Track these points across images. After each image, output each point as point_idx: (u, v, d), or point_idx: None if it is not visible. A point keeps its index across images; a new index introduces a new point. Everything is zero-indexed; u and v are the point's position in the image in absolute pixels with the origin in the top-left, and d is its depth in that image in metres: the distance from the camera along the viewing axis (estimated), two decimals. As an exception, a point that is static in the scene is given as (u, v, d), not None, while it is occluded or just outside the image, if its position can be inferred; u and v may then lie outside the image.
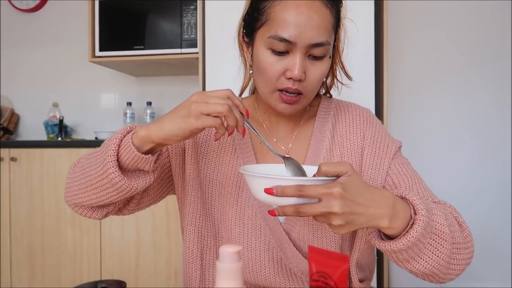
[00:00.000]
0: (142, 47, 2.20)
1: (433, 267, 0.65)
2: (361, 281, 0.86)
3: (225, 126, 0.67)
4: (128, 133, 0.70)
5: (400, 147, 0.88)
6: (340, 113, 0.89)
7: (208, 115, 0.65)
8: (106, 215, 0.80)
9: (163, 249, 2.06)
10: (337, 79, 0.90)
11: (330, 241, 0.81)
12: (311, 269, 0.48)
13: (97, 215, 0.78)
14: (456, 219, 0.72)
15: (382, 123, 1.75)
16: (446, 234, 0.64)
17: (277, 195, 0.58)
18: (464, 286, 2.34)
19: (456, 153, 2.40)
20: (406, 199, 0.65)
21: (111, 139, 0.69)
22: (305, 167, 0.71)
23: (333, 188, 0.57)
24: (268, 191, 0.58)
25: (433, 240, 0.64)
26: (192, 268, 0.87)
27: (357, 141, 0.86)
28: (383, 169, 0.82)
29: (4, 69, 2.82)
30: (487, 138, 2.37)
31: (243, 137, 0.79)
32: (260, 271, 0.81)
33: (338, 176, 0.60)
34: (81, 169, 0.75)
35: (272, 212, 0.62)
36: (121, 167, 0.69)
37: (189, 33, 2.15)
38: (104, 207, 0.77)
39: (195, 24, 2.13)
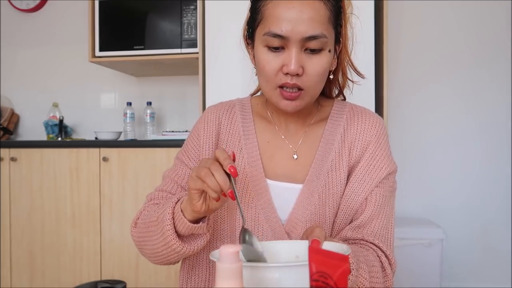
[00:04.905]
0: (142, 47, 2.20)
1: None
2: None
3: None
4: (175, 203, 0.75)
5: (393, 172, 0.86)
6: (354, 118, 0.88)
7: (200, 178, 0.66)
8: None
9: (163, 249, 2.06)
10: (348, 78, 0.90)
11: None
12: (311, 269, 0.48)
13: (175, 262, 0.84)
14: (381, 263, 0.77)
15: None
16: (365, 286, 0.69)
17: None
18: (464, 286, 2.34)
19: (455, 151, 2.40)
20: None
21: (164, 213, 0.74)
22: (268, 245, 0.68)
23: None
24: None
25: None
26: (194, 271, 0.87)
27: (361, 149, 0.85)
28: (367, 189, 0.83)
29: (4, 69, 2.82)
30: (486, 137, 2.37)
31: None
32: None
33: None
34: (145, 236, 0.81)
35: None
36: (178, 235, 0.75)
37: (189, 33, 2.15)
38: None
39: (195, 24, 2.13)
